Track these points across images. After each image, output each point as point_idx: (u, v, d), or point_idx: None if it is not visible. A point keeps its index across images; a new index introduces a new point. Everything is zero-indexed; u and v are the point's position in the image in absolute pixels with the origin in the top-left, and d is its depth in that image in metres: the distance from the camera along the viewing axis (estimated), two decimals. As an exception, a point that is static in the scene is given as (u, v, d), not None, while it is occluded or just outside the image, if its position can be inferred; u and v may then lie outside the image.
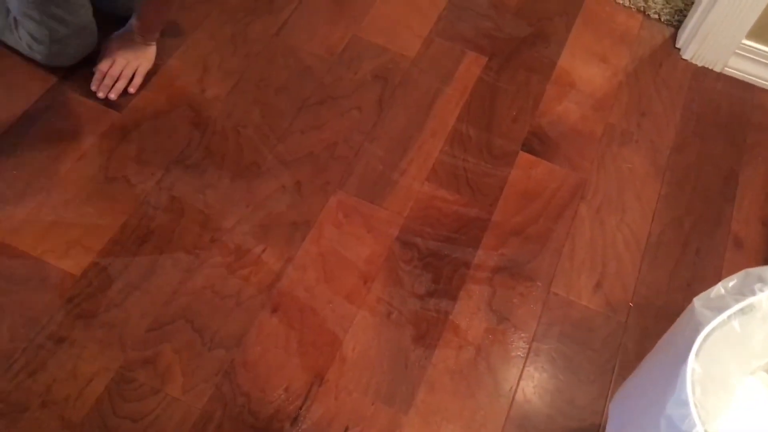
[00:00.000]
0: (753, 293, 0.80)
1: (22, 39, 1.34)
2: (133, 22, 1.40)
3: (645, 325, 1.29)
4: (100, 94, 1.37)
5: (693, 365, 0.74)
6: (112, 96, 1.38)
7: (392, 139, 1.45)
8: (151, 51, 1.43)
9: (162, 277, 1.21)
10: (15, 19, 1.33)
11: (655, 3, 1.79)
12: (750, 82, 1.70)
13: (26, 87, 1.38)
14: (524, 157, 1.48)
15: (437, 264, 1.31)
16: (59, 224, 1.23)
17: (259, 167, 1.37)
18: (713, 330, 0.76)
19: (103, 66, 1.38)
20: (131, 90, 1.40)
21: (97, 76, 1.38)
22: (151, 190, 1.30)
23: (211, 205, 1.30)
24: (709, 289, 0.82)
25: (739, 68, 1.69)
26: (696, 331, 0.76)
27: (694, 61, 1.71)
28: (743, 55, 1.66)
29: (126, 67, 1.39)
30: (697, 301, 0.81)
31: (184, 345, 1.14)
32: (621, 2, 1.79)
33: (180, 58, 1.48)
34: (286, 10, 1.62)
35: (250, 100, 1.46)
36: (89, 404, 1.06)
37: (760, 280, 0.81)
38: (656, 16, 1.78)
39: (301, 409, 1.12)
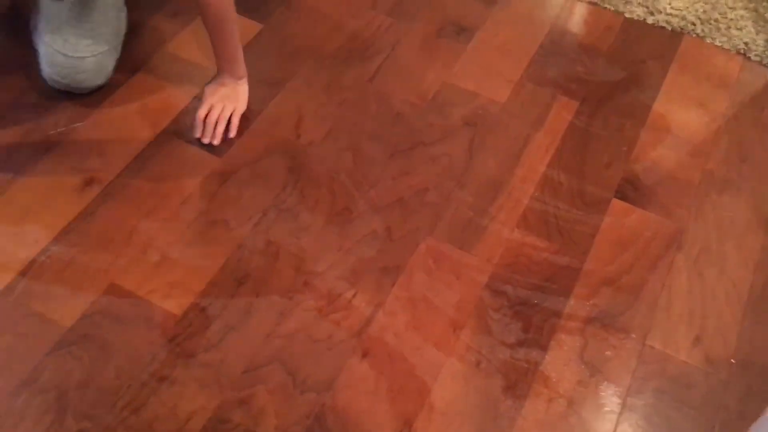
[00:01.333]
0: None
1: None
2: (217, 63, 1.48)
3: (748, 384, 1.23)
4: (205, 140, 1.44)
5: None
6: (215, 141, 1.45)
7: (482, 185, 1.46)
8: (242, 89, 1.50)
9: (257, 319, 1.25)
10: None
11: (756, 45, 1.74)
12: None
13: (136, 134, 1.46)
14: (617, 204, 1.45)
15: (527, 313, 1.29)
16: (164, 265, 1.29)
17: (351, 212, 1.40)
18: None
19: (201, 113, 1.46)
20: (231, 134, 1.47)
21: (197, 124, 1.46)
22: (249, 233, 1.35)
23: (305, 249, 1.34)
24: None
25: None
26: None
27: (799, 105, 1.64)
28: None
29: (222, 110, 1.46)
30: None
31: (277, 387, 1.17)
32: (720, 45, 1.74)
33: (277, 106, 1.54)
34: (379, 58, 1.66)
35: (344, 146, 1.50)
36: (187, 443, 1.11)
37: None
38: (758, 59, 1.72)
39: (389, 456, 1.13)
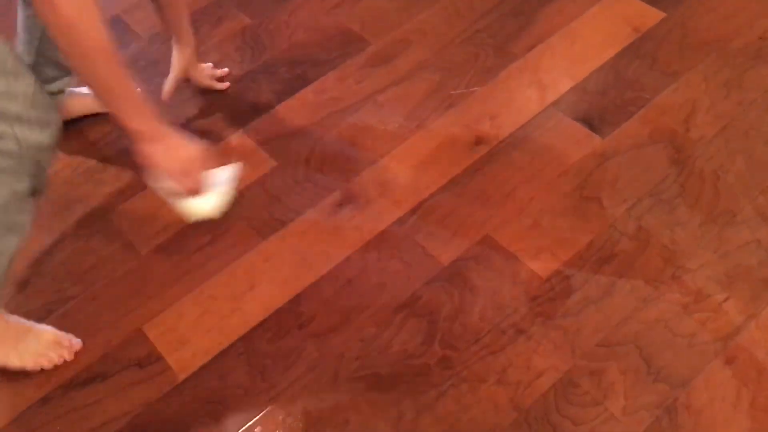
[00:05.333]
0: None
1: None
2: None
3: None
4: None
5: None
6: None
7: None
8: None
9: (618, 300, 1.25)
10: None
11: None
12: None
13: (526, 105, 1.55)
14: None
15: None
16: (535, 229, 1.36)
17: (734, 216, 1.32)
18: None
19: None
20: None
21: None
22: (621, 216, 1.35)
23: (677, 243, 1.30)
24: None
25: None
26: None
27: None
28: None
29: None
30: None
31: (629, 368, 1.17)
32: None
33: (670, 96, 1.51)
34: (791, 60, 1.53)
35: (735, 148, 1.41)
36: (536, 395, 1.16)
37: None
38: None
39: (741, 472, 1.06)
